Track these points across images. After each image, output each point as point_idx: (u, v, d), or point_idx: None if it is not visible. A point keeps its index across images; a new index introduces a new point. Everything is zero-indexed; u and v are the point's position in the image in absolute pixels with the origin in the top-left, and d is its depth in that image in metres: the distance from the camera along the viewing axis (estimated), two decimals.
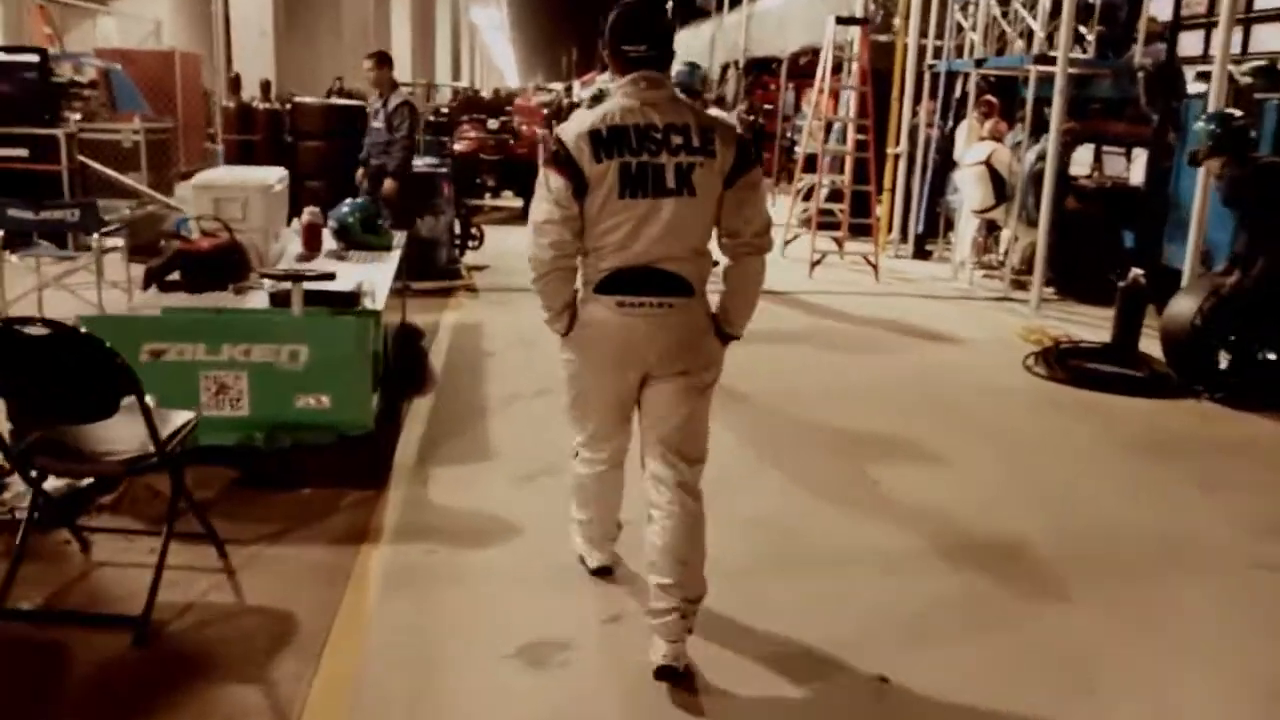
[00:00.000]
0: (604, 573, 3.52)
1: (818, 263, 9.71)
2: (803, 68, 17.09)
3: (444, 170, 9.19)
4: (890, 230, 11.42)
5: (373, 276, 4.92)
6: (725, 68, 21.54)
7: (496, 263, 9.38)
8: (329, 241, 5.82)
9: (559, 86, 42.39)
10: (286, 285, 4.34)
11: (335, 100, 11.93)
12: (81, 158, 9.23)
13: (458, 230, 9.40)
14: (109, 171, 9.30)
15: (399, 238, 6.20)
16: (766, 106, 18.93)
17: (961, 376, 6.61)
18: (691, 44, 27.34)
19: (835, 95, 11.18)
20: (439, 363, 6.36)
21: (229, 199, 5.05)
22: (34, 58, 9.64)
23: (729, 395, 4.94)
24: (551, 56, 74.35)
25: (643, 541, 3.01)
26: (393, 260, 5.70)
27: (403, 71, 16.29)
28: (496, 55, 70.03)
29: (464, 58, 44.81)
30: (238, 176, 5.70)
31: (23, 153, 8.93)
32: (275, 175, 5.65)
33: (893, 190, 11.44)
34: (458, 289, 8.52)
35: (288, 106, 10.25)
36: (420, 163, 9.12)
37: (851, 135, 10.36)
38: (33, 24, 14.29)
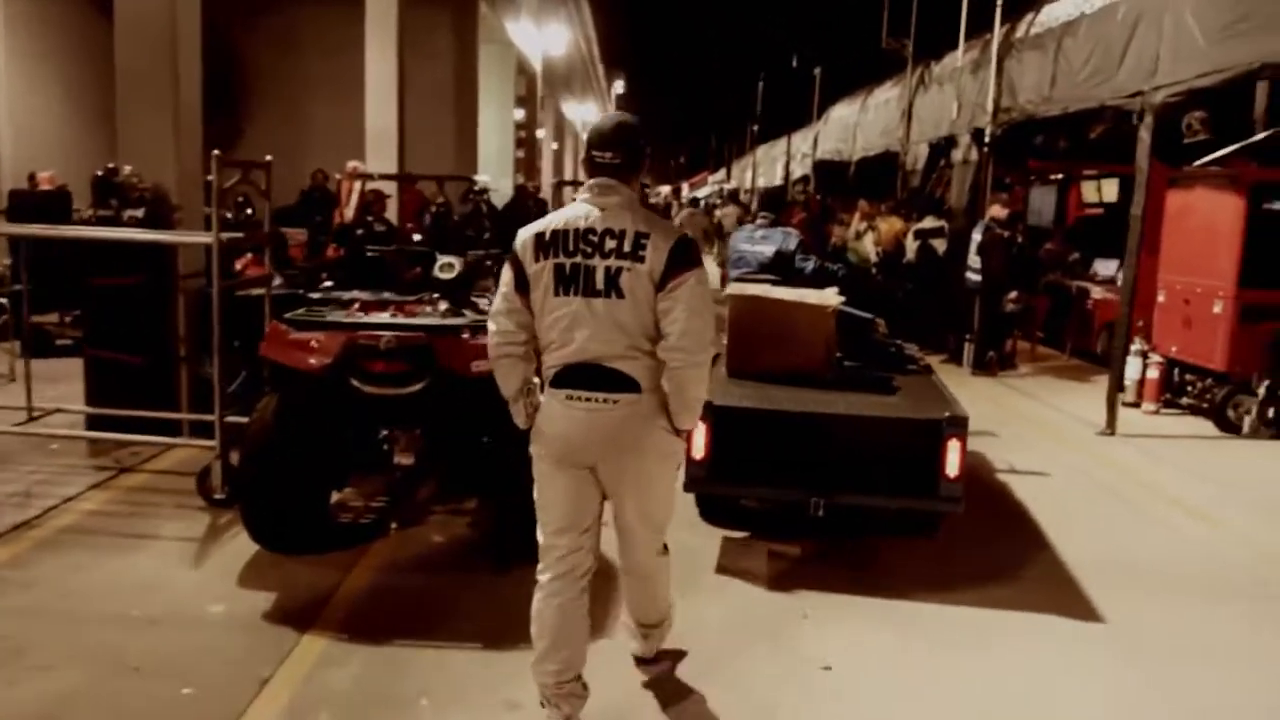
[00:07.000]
0: None
1: None
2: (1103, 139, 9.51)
3: None
4: None
5: None
6: (942, 147, 13.24)
7: None
8: None
9: (666, 189, 38.22)
10: None
11: None
12: None
13: None
14: None
15: None
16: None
17: None
18: (864, 121, 18.31)
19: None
20: None
21: None
22: None
23: None
24: (660, 158, 70.35)
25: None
26: None
27: (372, 161, 9.94)
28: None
29: (567, 156, 41.38)
30: None
31: None
32: None
33: None
34: None
35: None
36: None
37: None
38: None
